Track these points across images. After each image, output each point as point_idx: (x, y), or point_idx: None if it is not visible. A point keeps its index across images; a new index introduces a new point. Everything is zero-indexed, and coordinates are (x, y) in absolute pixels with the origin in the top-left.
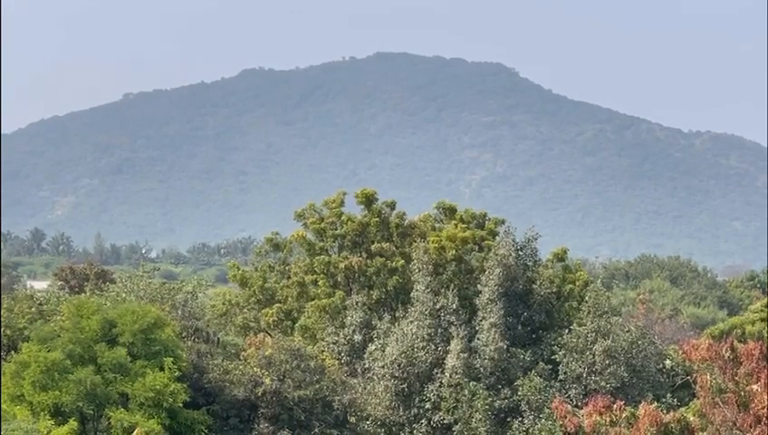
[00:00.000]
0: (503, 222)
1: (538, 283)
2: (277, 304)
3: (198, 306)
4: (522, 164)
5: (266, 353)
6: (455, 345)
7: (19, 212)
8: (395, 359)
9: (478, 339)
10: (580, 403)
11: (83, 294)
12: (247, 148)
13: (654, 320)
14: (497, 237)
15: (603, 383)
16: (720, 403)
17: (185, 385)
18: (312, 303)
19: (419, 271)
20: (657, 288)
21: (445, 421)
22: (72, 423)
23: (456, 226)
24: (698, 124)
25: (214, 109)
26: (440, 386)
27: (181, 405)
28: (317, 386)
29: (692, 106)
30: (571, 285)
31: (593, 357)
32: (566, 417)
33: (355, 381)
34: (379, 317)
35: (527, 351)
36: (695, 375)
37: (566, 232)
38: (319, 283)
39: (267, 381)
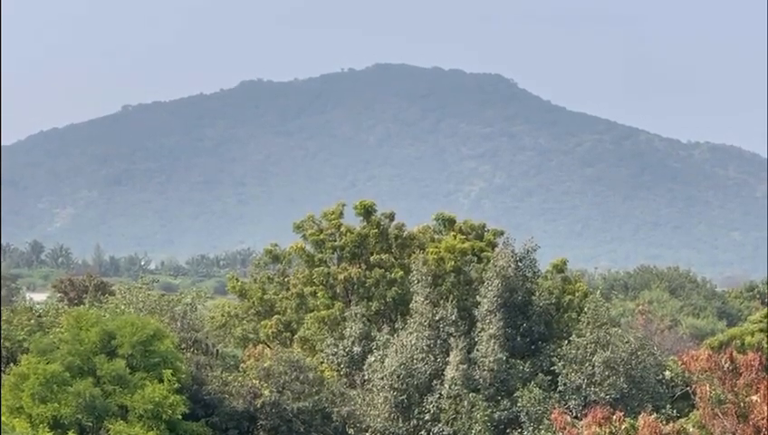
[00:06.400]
0: (502, 233)
1: (537, 294)
2: (276, 316)
3: (197, 318)
4: (520, 175)
5: (265, 365)
6: (454, 356)
7: (18, 224)
8: (394, 370)
9: (477, 350)
10: (579, 414)
11: (82, 306)
12: (246, 159)
13: (653, 331)
14: (496, 249)
15: (603, 394)
16: (719, 414)
17: (184, 397)
18: (311, 314)
19: (418, 282)
20: (656, 299)
21: (444, 433)
22: None
23: (454, 237)
24: (697, 135)
25: (213, 120)
26: (439, 397)
27: (180, 417)
28: (316, 398)
29: (691, 117)
30: (570, 296)
31: (592, 368)
32: (565, 428)
33: (354, 392)
34: (379, 329)
35: (526, 362)
36: (694, 386)
37: (565, 243)
38: (318, 294)
39: (266, 392)
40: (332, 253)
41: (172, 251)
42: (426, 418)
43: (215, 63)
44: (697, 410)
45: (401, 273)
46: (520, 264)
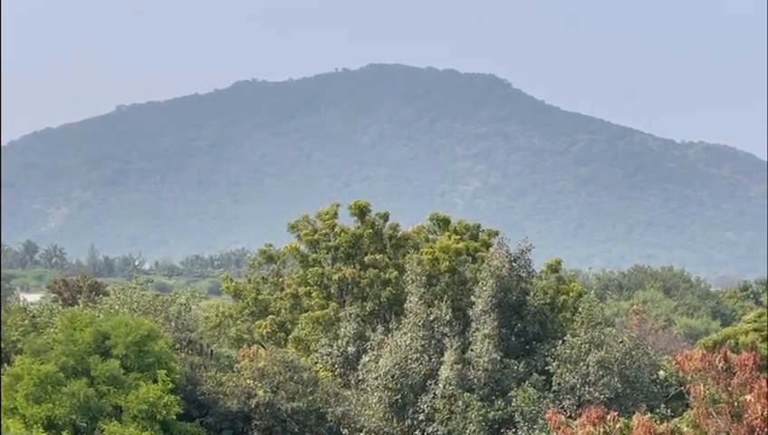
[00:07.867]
0: (496, 233)
1: (531, 294)
2: (270, 316)
3: (192, 318)
4: (515, 175)
5: (260, 365)
6: (448, 356)
7: (12, 224)
8: (388, 370)
9: (472, 350)
10: (573, 414)
11: (76, 307)
12: (241, 159)
13: (647, 330)
14: (491, 249)
15: (597, 394)
16: (713, 414)
17: (178, 397)
18: (306, 314)
19: (413, 282)
20: (650, 299)
21: (439, 433)
22: None
23: (449, 237)
24: (691, 135)
25: (207, 120)
26: (434, 397)
27: (175, 417)
28: (310, 398)
29: (685, 116)
30: (564, 296)
31: (587, 368)
32: (560, 428)
33: (348, 392)
34: (373, 329)
35: (521, 362)
36: (688, 386)
37: (559, 243)
38: (312, 294)
39: (260, 392)
40: (327, 253)
41: (166, 251)
42: (420, 418)
43: (209, 63)
44: (691, 409)
45: (396, 273)
46: (514, 264)
